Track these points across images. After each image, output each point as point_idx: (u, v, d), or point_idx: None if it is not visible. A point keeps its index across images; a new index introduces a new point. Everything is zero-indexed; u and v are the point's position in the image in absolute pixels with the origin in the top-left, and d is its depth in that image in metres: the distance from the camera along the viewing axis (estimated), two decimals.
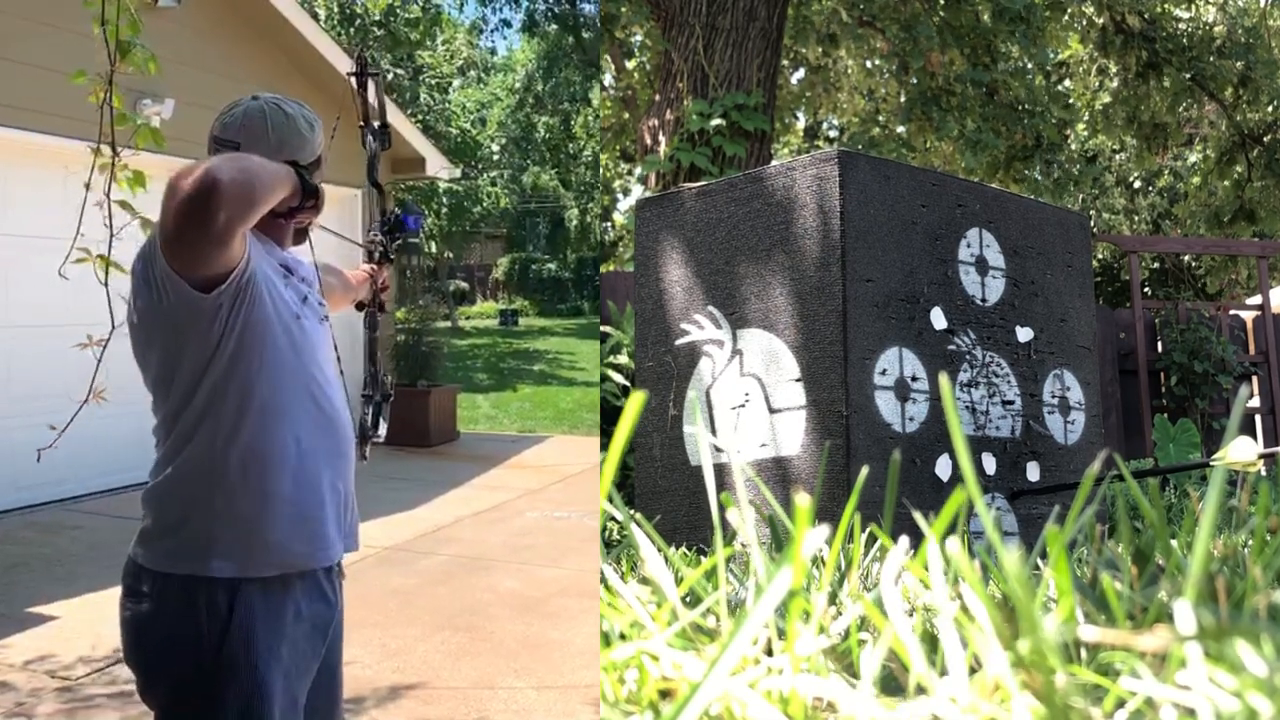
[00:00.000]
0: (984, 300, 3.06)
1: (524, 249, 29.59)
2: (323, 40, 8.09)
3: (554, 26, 23.43)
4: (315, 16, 8.69)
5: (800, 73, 11.66)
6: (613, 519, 3.30)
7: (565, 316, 25.48)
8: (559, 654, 3.75)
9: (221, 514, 1.56)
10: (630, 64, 10.38)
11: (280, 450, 1.59)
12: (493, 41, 31.43)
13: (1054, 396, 3.21)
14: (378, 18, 16.74)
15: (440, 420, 8.88)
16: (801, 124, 15.68)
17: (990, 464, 3.01)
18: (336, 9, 16.54)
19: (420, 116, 16.51)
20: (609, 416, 6.00)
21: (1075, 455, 3.23)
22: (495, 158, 24.55)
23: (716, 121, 6.65)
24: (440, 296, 19.80)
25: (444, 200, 19.93)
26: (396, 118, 8.95)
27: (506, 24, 33.35)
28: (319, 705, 1.74)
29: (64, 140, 5.57)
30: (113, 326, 2.07)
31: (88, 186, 2.34)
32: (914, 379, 2.84)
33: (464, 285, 27.25)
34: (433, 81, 18.52)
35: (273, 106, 1.73)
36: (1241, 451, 1.85)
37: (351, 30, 16.53)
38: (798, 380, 2.79)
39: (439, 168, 9.58)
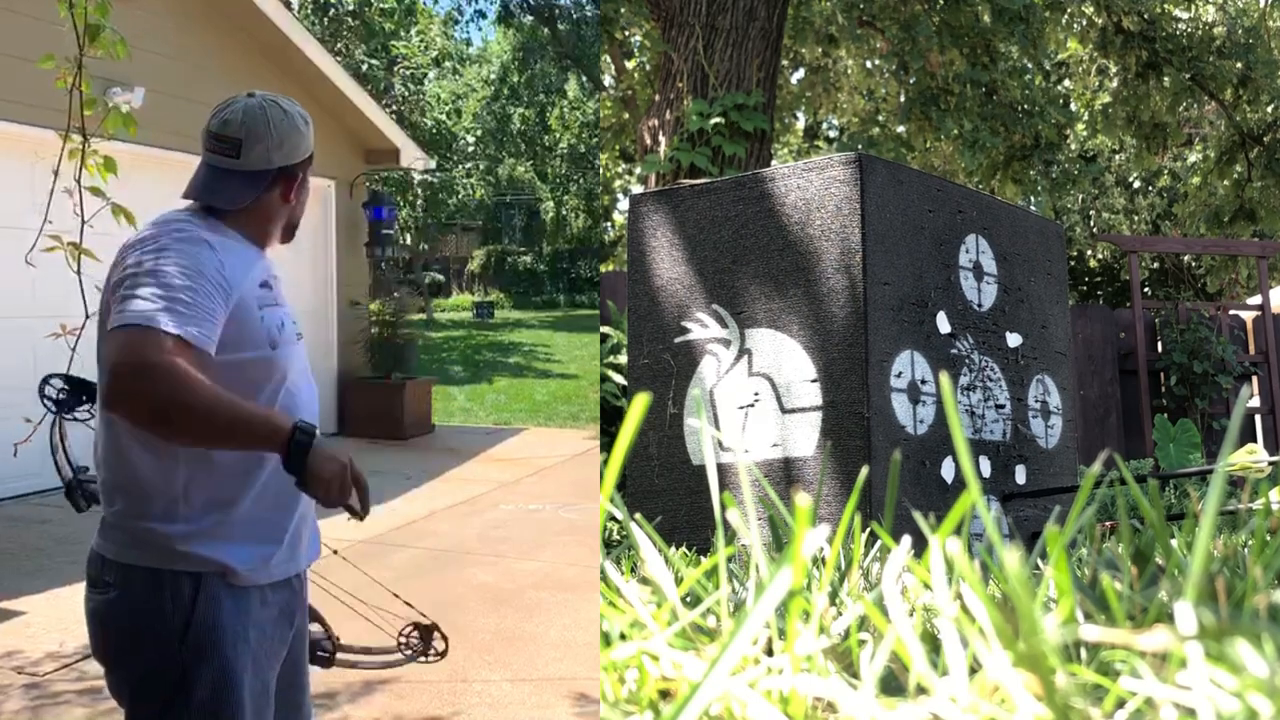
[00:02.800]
0: (980, 305, 3.09)
1: (499, 241, 29.40)
2: (296, 30, 8.02)
3: (529, 18, 23.31)
4: (288, 5, 8.60)
5: (800, 73, 11.66)
6: (613, 519, 3.30)
7: (541, 309, 25.30)
8: (533, 647, 3.75)
9: (184, 535, 1.56)
10: (630, 64, 10.37)
11: (247, 475, 1.60)
12: (468, 32, 31.21)
13: (1037, 401, 3.24)
14: (351, 7, 16.63)
15: (415, 413, 8.86)
16: (801, 124, 15.68)
17: (986, 467, 3.02)
18: None
19: (395, 107, 16.41)
20: (609, 417, 6.00)
21: (1055, 458, 3.28)
22: (470, 149, 24.45)
23: (716, 120, 6.65)
24: (415, 289, 19.72)
25: (419, 192, 19.85)
26: (371, 108, 8.88)
27: (481, 15, 33.21)
28: (286, 694, 1.73)
29: (29, 128, 5.47)
30: (86, 315, 2.05)
31: (56, 173, 2.32)
32: (923, 382, 2.85)
33: (439, 277, 27.09)
34: (407, 72, 18.45)
35: (271, 104, 1.72)
36: (1249, 457, 1.85)
37: (325, 20, 16.40)
38: (814, 381, 2.78)
39: (414, 159, 9.53)
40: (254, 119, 1.69)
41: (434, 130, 18.70)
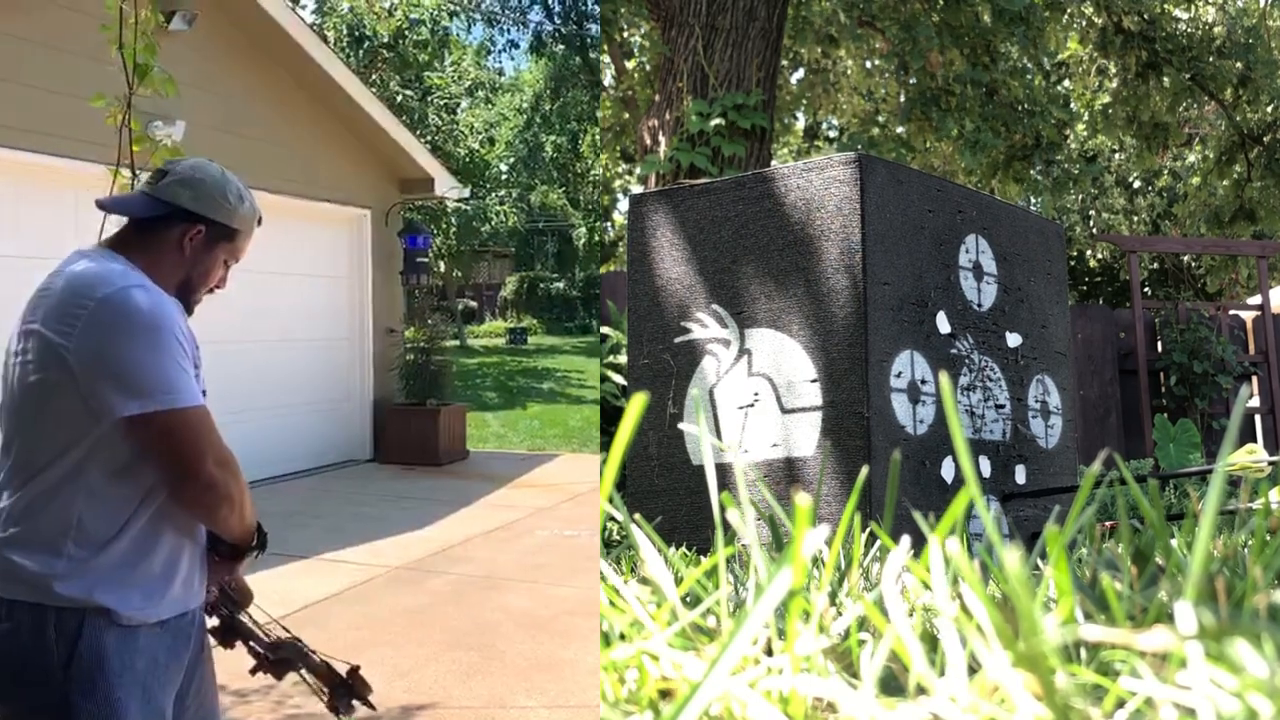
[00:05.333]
0: (980, 305, 3.09)
1: (532, 268, 29.75)
2: (332, 62, 8.09)
3: (561, 47, 23.62)
4: (324, 39, 8.58)
5: (800, 73, 11.66)
6: (612, 519, 3.30)
7: (574, 335, 25.53)
8: (570, 673, 3.74)
9: (64, 574, 1.55)
10: (630, 64, 10.38)
11: (129, 515, 1.59)
12: (500, 62, 31.35)
13: (1037, 401, 3.25)
14: (387, 40, 16.77)
15: (449, 439, 8.94)
16: (801, 124, 15.68)
17: (985, 467, 3.02)
18: (345, 31, 16.55)
19: (429, 137, 16.52)
20: (609, 417, 6.00)
21: (1055, 459, 3.28)
22: (503, 177, 24.65)
23: (716, 122, 6.65)
24: (449, 315, 19.83)
25: (452, 220, 19.93)
26: (405, 138, 9.02)
27: (514, 45, 33.42)
28: (197, 716, 1.74)
29: (74, 162, 5.60)
30: None
31: None
32: (923, 382, 2.85)
33: (472, 304, 27.36)
34: (441, 102, 18.54)
35: (213, 165, 1.81)
36: (1249, 458, 1.85)
37: (360, 52, 16.55)
38: (814, 381, 2.78)
39: (448, 187, 9.67)
40: (187, 164, 1.79)
41: (467, 159, 18.79)
